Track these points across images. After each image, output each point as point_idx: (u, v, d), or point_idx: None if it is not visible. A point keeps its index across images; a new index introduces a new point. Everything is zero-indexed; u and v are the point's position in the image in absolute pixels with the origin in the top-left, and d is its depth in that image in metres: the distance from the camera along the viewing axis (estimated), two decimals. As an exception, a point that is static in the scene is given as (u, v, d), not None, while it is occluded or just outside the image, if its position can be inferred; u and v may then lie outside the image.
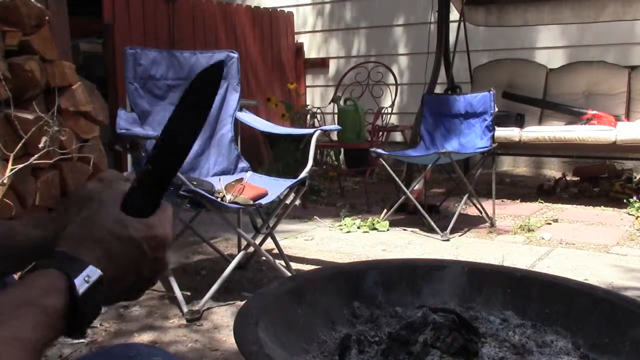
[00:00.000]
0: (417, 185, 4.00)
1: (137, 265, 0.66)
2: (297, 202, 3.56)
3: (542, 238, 3.43)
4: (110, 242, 0.64)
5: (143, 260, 0.66)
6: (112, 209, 0.66)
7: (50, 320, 0.58)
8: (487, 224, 3.74)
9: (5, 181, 2.65)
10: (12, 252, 0.78)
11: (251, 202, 2.48)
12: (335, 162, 5.64)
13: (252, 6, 6.44)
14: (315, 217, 3.99)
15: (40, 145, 2.80)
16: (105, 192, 0.70)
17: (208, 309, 2.38)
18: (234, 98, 3.03)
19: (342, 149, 5.56)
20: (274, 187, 2.64)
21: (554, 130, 4.42)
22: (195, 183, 2.47)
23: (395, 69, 5.65)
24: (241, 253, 2.55)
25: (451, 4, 4.85)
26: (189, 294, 2.51)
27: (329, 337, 1.15)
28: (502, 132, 4.31)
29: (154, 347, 0.73)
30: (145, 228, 0.66)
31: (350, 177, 5.50)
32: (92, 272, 0.61)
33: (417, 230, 3.66)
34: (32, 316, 0.56)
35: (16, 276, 0.74)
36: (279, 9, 6.66)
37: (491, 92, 3.83)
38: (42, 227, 0.79)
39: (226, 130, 3.01)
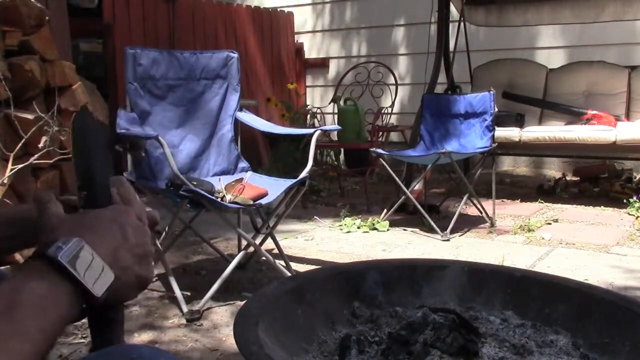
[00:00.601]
0: (417, 185, 4.00)
1: (124, 243, 0.66)
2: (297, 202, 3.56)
3: (542, 238, 3.43)
4: (90, 222, 0.67)
5: (123, 242, 0.67)
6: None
7: (50, 311, 0.57)
8: (487, 224, 3.74)
9: (5, 181, 2.65)
10: (22, 231, 0.81)
11: (251, 202, 2.48)
12: (335, 162, 5.64)
13: (252, 6, 6.44)
14: (315, 217, 3.99)
15: (40, 145, 2.80)
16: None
17: (208, 308, 2.38)
18: (234, 98, 3.03)
19: (342, 149, 5.56)
20: (274, 187, 2.64)
21: (554, 130, 4.42)
22: (195, 183, 2.47)
23: (395, 69, 5.65)
24: (241, 253, 2.55)
25: (451, 4, 4.85)
26: (189, 293, 2.51)
27: (329, 337, 1.15)
28: (502, 132, 4.31)
29: (156, 348, 0.73)
30: (119, 213, 0.70)
31: (350, 177, 5.50)
32: (65, 241, 0.61)
33: (417, 230, 3.66)
34: (27, 322, 0.55)
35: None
36: (279, 9, 6.66)
37: (491, 92, 3.83)
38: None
39: (226, 130, 3.01)
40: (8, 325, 0.54)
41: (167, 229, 2.68)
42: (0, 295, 0.57)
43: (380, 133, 4.90)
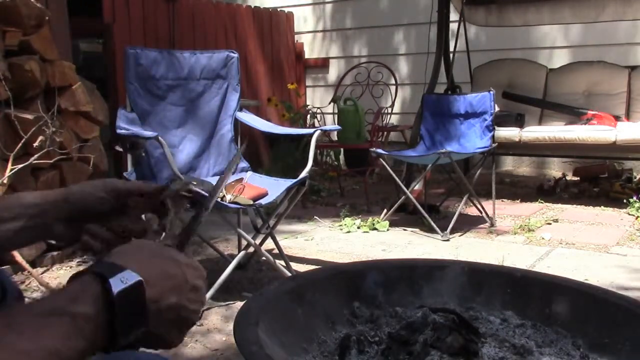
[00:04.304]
0: (417, 185, 4.00)
1: (178, 286, 0.65)
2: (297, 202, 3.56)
3: (542, 238, 3.43)
4: (153, 258, 0.66)
5: (183, 284, 0.66)
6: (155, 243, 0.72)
7: (80, 329, 0.55)
8: (487, 224, 3.74)
9: (5, 181, 2.65)
10: (24, 212, 0.81)
11: (251, 202, 2.48)
12: (335, 162, 5.64)
13: (252, 6, 6.44)
14: (315, 217, 3.99)
15: (35, 144, 2.80)
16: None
17: (208, 308, 2.38)
18: (234, 98, 3.03)
19: (342, 149, 5.56)
20: (274, 187, 2.64)
21: (554, 130, 4.42)
22: (195, 183, 2.47)
23: (395, 69, 5.65)
24: (241, 253, 2.55)
25: (451, 4, 4.85)
26: (189, 294, 2.50)
27: (329, 337, 1.15)
28: (502, 132, 4.31)
29: (152, 354, 0.73)
30: (185, 257, 0.70)
31: (350, 177, 5.50)
32: (130, 275, 0.59)
33: (417, 230, 3.66)
34: (58, 326, 0.54)
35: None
36: (279, 9, 6.66)
37: (491, 92, 3.83)
38: (55, 191, 0.84)
39: (226, 130, 3.01)
40: (36, 323, 0.54)
41: (167, 228, 2.67)
42: (51, 299, 0.57)
43: (380, 133, 4.89)
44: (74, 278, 0.60)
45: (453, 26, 4.94)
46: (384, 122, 4.88)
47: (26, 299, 0.95)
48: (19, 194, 0.86)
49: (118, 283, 0.58)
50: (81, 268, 0.64)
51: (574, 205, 4.31)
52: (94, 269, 0.60)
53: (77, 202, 0.83)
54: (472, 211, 4.00)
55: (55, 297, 0.58)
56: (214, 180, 2.68)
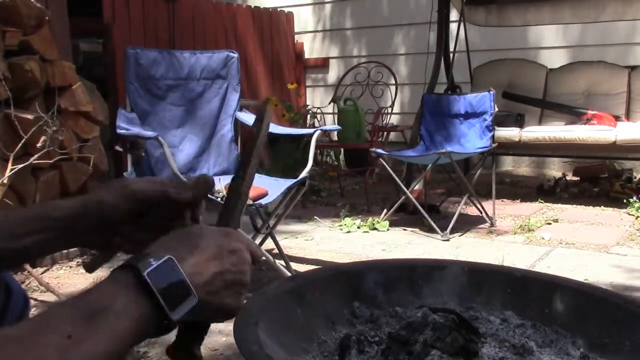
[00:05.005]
0: (417, 185, 4.00)
1: (214, 255, 0.67)
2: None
3: (542, 238, 3.43)
4: (182, 239, 0.67)
5: (219, 251, 0.67)
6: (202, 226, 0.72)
7: (127, 320, 0.57)
8: (487, 224, 3.74)
9: (5, 181, 2.65)
10: (53, 224, 0.79)
11: (251, 202, 2.48)
12: (335, 162, 5.64)
13: (252, 6, 6.44)
14: (315, 217, 3.99)
15: (38, 145, 2.80)
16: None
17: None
18: (234, 98, 3.03)
19: (342, 149, 5.56)
20: (274, 187, 2.64)
21: (554, 130, 4.42)
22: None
23: (395, 69, 5.65)
24: (241, 253, 2.55)
25: (451, 4, 4.85)
26: (189, 294, 2.50)
27: (329, 337, 1.15)
28: (502, 132, 4.31)
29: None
30: (215, 227, 0.72)
31: (350, 177, 5.50)
32: (157, 257, 0.62)
33: (417, 230, 3.66)
34: (105, 323, 0.56)
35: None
36: (279, 9, 6.66)
37: (491, 92, 3.83)
38: (74, 201, 0.81)
39: (226, 130, 3.01)
40: (87, 329, 0.55)
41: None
42: (86, 301, 0.58)
43: (380, 133, 4.89)
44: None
45: (453, 26, 4.94)
46: (384, 122, 4.88)
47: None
48: (46, 205, 0.82)
49: (147, 265, 0.60)
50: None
51: (574, 205, 4.31)
52: (126, 262, 0.62)
53: (95, 213, 0.80)
54: (472, 211, 4.00)
55: (90, 297, 0.59)
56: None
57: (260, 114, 0.84)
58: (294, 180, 2.57)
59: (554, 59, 5.47)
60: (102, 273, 0.71)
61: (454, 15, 4.96)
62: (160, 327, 0.61)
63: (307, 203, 4.44)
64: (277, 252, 2.69)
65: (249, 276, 0.71)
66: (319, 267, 2.49)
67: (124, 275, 0.60)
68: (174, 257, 0.62)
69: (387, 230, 3.68)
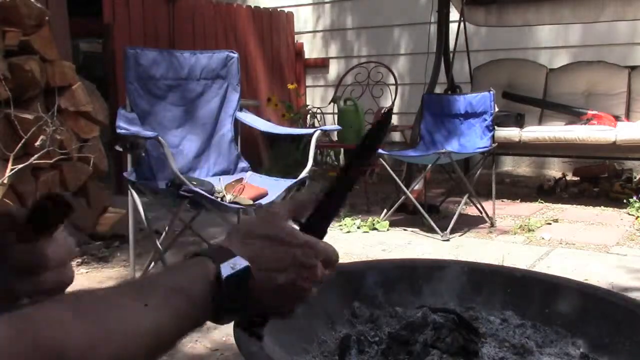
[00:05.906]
0: (417, 185, 4.00)
1: (285, 268, 0.68)
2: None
3: (542, 238, 3.43)
4: (264, 241, 0.68)
5: (291, 265, 0.68)
6: (280, 218, 0.72)
7: (194, 310, 0.60)
8: (487, 224, 3.74)
9: (5, 181, 2.65)
10: None
11: (251, 202, 2.48)
12: (335, 162, 5.64)
13: (252, 6, 6.44)
14: (315, 217, 3.98)
15: (36, 144, 2.80)
16: (278, 205, 0.76)
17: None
18: (234, 98, 3.03)
19: (342, 149, 5.56)
20: (274, 187, 2.64)
21: (554, 130, 4.42)
22: (195, 183, 2.47)
23: (395, 69, 5.65)
24: (241, 253, 2.54)
25: (451, 4, 4.85)
26: (189, 294, 2.50)
27: (329, 337, 1.15)
28: (502, 132, 4.31)
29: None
30: (302, 236, 0.71)
31: (350, 177, 5.48)
32: (239, 262, 0.64)
33: (417, 230, 3.66)
34: (178, 301, 0.59)
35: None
36: (279, 9, 6.66)
37: (491, 92, 3.83)
38: None
39: (226, 130, 3.01)
40: (164, 302, 0.58)
41: (167, 228, 2.67)
42: (172, 277, 0.62)
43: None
44: (189, 257, 0.65)
45: (453, 26, 4.94)
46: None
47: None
48: None
49: (228, 269, 0.62)
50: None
51: (574, 205, 4.31)
52: (209, 253, 0.64)
53: None
54: (472, 211, 4.00)
55: (177, 274, 0.63)
56: (214, 180, 2.68)
57: (383, 123, 0.82)
58: (294, 180, 2.57)
59: (554, 59, 5.47)
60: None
61: (454, 15, 4.96)
62: (204, 322, 0.64)
63: (307, 203, 4.43)
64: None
65: (314, 292, 0.72)
66: (319, 267, 2.49)
67: (209, 268, 0.62)
68: (251, 265, 0.64)
69: (387, 230, 3.68)
